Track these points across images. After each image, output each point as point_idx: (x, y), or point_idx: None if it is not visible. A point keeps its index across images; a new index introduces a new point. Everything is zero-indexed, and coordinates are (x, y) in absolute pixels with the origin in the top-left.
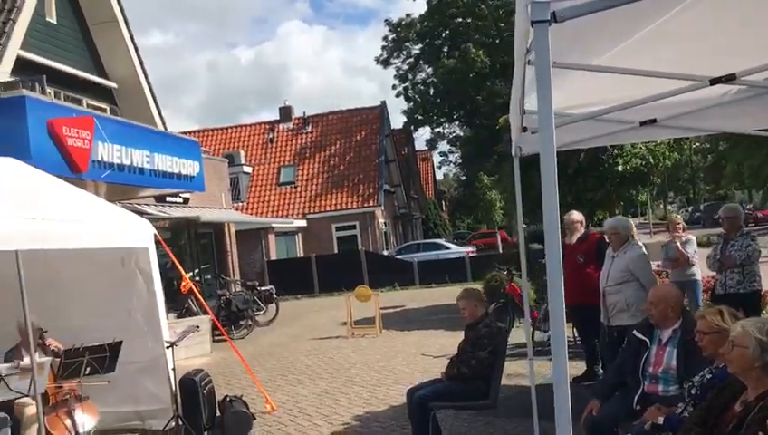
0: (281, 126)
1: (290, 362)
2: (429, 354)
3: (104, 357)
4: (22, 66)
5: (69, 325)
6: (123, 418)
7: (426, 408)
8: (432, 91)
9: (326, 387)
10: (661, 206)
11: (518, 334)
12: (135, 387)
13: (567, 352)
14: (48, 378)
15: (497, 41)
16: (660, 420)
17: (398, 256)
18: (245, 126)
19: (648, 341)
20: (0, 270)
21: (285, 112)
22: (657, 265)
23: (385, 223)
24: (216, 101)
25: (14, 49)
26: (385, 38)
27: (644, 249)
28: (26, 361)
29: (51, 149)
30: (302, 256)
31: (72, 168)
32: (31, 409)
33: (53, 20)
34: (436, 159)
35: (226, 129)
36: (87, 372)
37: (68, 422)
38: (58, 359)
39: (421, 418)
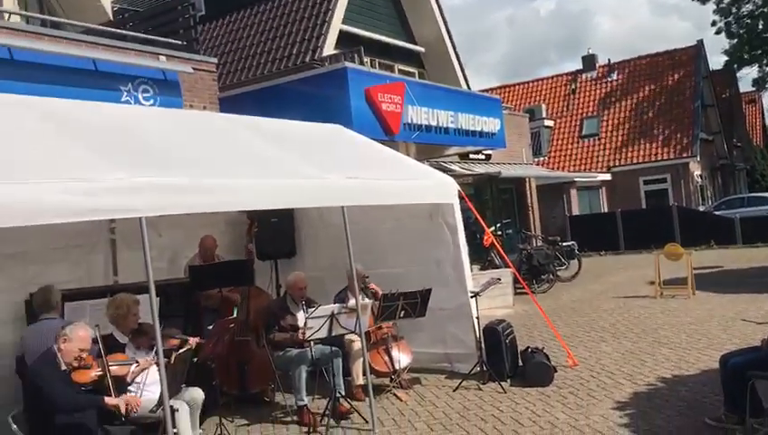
0: (584, 76)
1: (592, 318)
2: (751, 320)
3: (416, 302)
4: (342, 39)
5: (386, 273)
6: (433, 359)
7: (742, 377)
8: (761, 24)
9: (631, 347)
10: None
11: None
12: (443, 331)
13: None
14: (370, 318)
15: None
16: None
17: (717, 212)
18: (546, 78)
19: None
20: (333, 225)
21: (589, 61)
22: None
23: (701, 175)
24: (516, 56)
25: (337, 24)
26: None
27: None
28: (352, 302)
29: (368, 114)
30: (605, 211)
31: (386, 131)
32: (356, 344)
33: None
34: (767, 101)
35: (527, 83)
36: (401, 315)
37: (386, 358)
38: (378, 302)
39: (736, 386)
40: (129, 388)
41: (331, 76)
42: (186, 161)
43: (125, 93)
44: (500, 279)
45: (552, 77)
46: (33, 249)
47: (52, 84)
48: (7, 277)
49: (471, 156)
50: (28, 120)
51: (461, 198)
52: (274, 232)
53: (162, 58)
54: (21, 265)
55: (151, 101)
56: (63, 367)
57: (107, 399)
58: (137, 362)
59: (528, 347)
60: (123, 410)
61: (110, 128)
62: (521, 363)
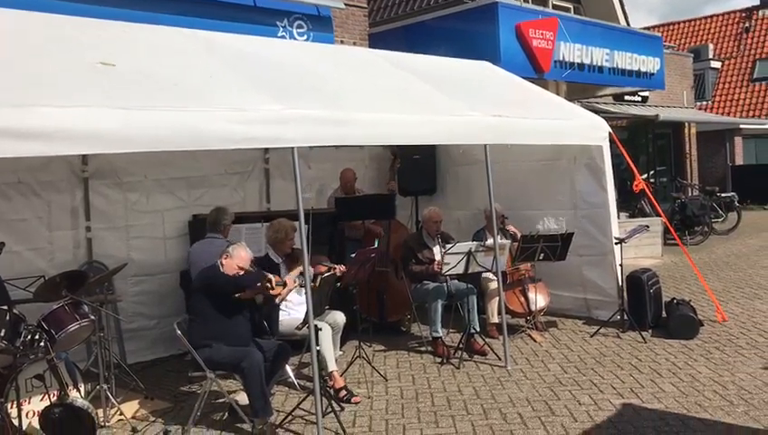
0: (760, 12)
1: (748, 274)
2: None
3: (556, 246)
4: None
5: (526, 214)
6: (571, 304)
7: None
8: None
9: None
10: None
11: None
12: (582, 277)
13: None
14: (507, 259)
15: None
16: None
17: None
18: (716, 16)
19: None
20: (474, 163)
21: None
22: None
23: None
24: None
25: None
26: None
27: None
28: (490, 241)
29: (517, 51)
30: None
31: (535, 68)
32: (493, 283)
33: None
34: None
35: (693, 21)
36: (541, 258)
37: (522, 299)
38: (516, 243)
39: None
40: (281, 308)
41: (480, 11)
42: (336, 95)
43: (281, 29)
44: (648, 227)
45: (723, 14)
46: (197, 174)
47: (214, 19)
48: (174, 198)
49: (626, 97)
50: (193, 52)
51: (612, 141)
52: (416, 169)
53: None
54: (186, 188)
55: (305, 37)
56: None
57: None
58: (285, 282)
59: (673, 299)
60: (275, 291)
61: (267, 61)
62: (664, 315)
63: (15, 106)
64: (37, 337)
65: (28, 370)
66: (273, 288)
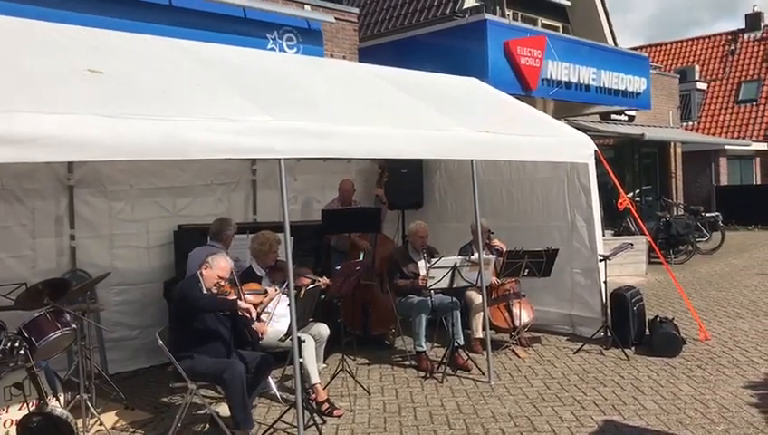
0: (745, 36)
1: (731, 294)
2: None
3: (541, 262)
4: None
5: (514, 230)
6: (556, 320)
7: None
8: None
9: None
10: None
11: None
12: (569, 293)
13: None
14: (492, 274)
15: None
16: None
17: None
18: (702, 38)
19: None
20: (461, 179)
21: (753, 20)
22: None
23: None
24: (664, 16)
25: None
26: None
27: None
28: (476, 256)
29: (505, 68)
30: (759, 183)
31: (523, 86)
32: (477, 298)
33: None
34: None
35: (680, 42)
36: (525, 274)
37: (506, 315)
38: (501, 258)
39: None
40: (261, 317)
41: (469, 28)
42: (324, 108)
43: (270, 41)
44: (632, 244)
45: (709, 37)
46: (183, 184)
47: (205, 30)
48: (159, 208)
49: (613, 116)
50: (182, 62)
51: (598, 159)
52: (403, 183)
53: (307, 7)
54: (171, 197)
55: (295, 50)
56: (205, 290)
57: (240, 302)
58: (266, 290)
59: (657, 316)
60: (253, 315)
61: (255, 72)
62: (647, 332)
63: (2, 112)
64: (17, 345)
65: (7, 378)
66: (252, 320)
